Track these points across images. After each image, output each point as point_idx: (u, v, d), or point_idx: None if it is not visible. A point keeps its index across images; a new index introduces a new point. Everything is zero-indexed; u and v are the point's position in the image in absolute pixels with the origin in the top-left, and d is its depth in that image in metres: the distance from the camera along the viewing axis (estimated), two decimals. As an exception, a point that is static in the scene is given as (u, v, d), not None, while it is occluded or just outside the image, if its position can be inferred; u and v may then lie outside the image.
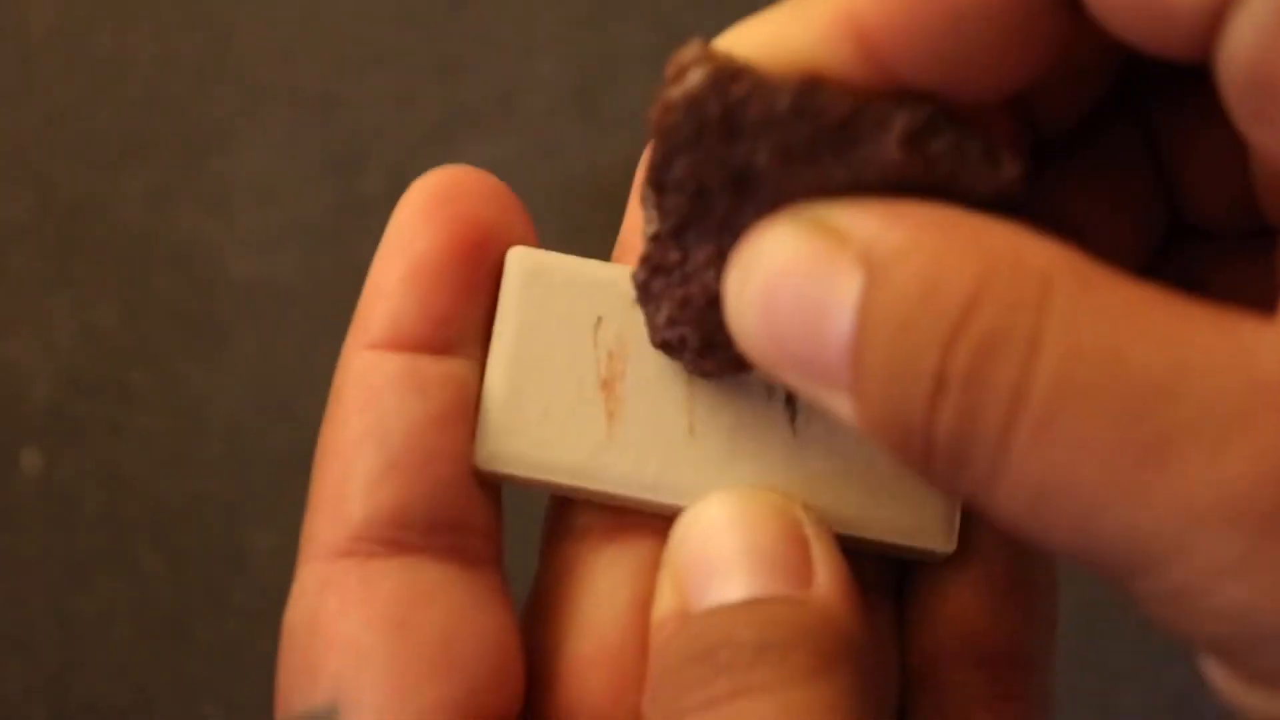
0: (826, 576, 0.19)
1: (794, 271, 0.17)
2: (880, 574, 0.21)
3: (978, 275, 0.15)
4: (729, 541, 0.19)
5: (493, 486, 0.20)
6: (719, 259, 0.18)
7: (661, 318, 0.20)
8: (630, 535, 0.20)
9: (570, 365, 0.20)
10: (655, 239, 0.19)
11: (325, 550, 0.19)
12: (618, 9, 0.57)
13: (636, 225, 0.21)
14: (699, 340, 0.19)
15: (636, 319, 0.20)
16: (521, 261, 0.20)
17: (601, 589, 0.20)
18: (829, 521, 0.20)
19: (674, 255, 0.19)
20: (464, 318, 0.20)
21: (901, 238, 0.16)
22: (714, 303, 0.19)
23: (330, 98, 0.57)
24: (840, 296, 0.16)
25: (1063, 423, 0.15)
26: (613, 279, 0.20)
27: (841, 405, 0.17)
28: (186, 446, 0.55)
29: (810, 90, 0.17)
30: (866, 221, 0.16)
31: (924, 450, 0.16)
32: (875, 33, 0.17)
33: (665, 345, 0.20)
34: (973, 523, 0.21)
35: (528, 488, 0.20)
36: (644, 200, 0.19)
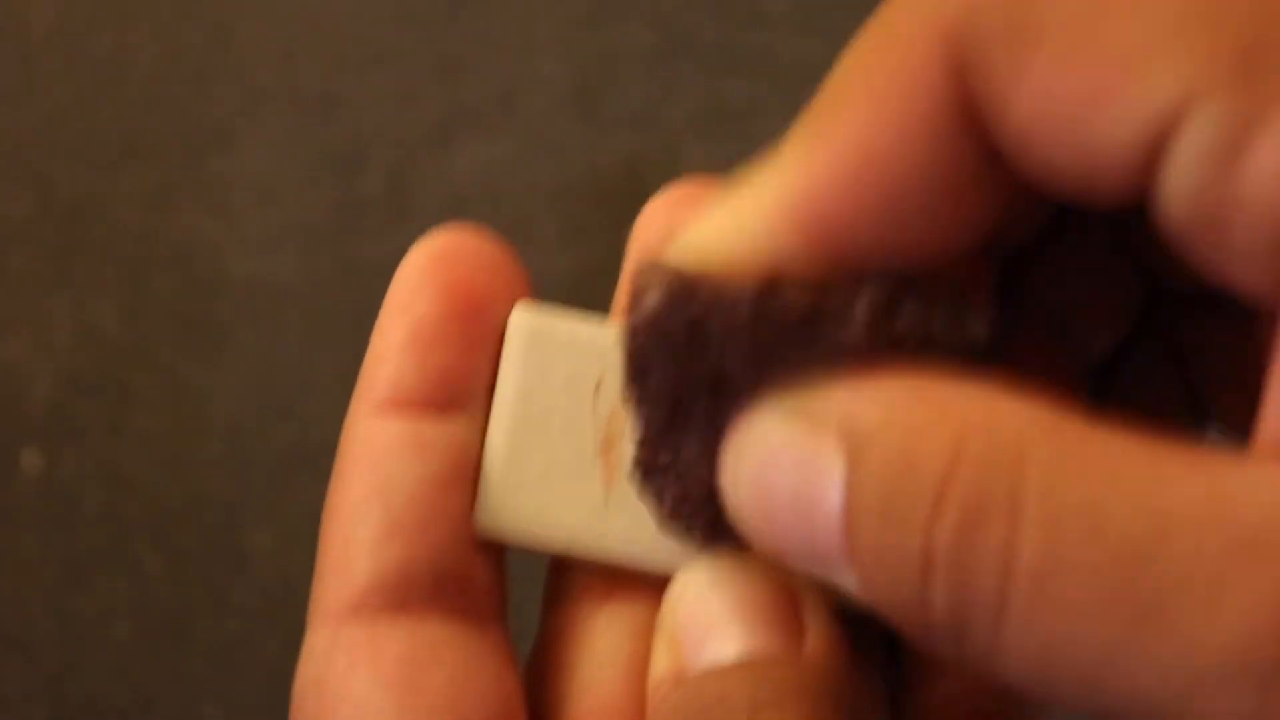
0: (818, 635, 0.19)
1: (779, 461, 0.17)
2: (873, 632, 0.21)
3: (952, 445, 0.15)
4: (721, 602, 0.19)
5: (495, 546, 0.21)
6: (709, 452, 0.19)
7: (665, 510, 0.20)
8: (628, 596, 0.21)
9: (570, 427, 0.20)
10: (645, 437, 0.19)
11: (333, 612, 0.20)
12: (618, 9, 0.57)
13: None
14: (705, 526, 0.20)
15: None
16: (525, 322, 0.21)
17: (600, 650, 0.20)
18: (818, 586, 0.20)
19: (664, 457, 0.19)
20: (465, 378, 0.20)
21: (875, 415, 0.16)
22: (713, 493, 0.19)
23: (330, 98, 0.57)
24: (826, 481, 0.16)
25: (1054, 592, 0.15)
26: (612, 341, 0.20)
27: (850, 583, 0.17)
28: (186, 446, 0.55)
29: (768, 292, 0.18)
30: (840, 402, 0.17)
31: (923, 627, 0.16)
32: (821, 218, 0.17)
33: (673, 528, 0.20)
34: None
35: (528, 551, 0.21)
36: (625, 402, 0.19)
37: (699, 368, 0.18)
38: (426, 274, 0.20)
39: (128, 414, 0.55)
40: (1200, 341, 0.21)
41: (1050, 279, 0.21)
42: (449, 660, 0.19)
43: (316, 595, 0.20)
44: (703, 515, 0.20)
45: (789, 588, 0.19)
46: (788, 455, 0.17)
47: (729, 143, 0.56)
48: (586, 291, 0.58)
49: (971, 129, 0.17)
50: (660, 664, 0.19)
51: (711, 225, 0.18)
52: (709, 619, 0.19)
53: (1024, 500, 0.15)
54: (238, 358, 0.55)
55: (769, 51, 0.57)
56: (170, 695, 0.53)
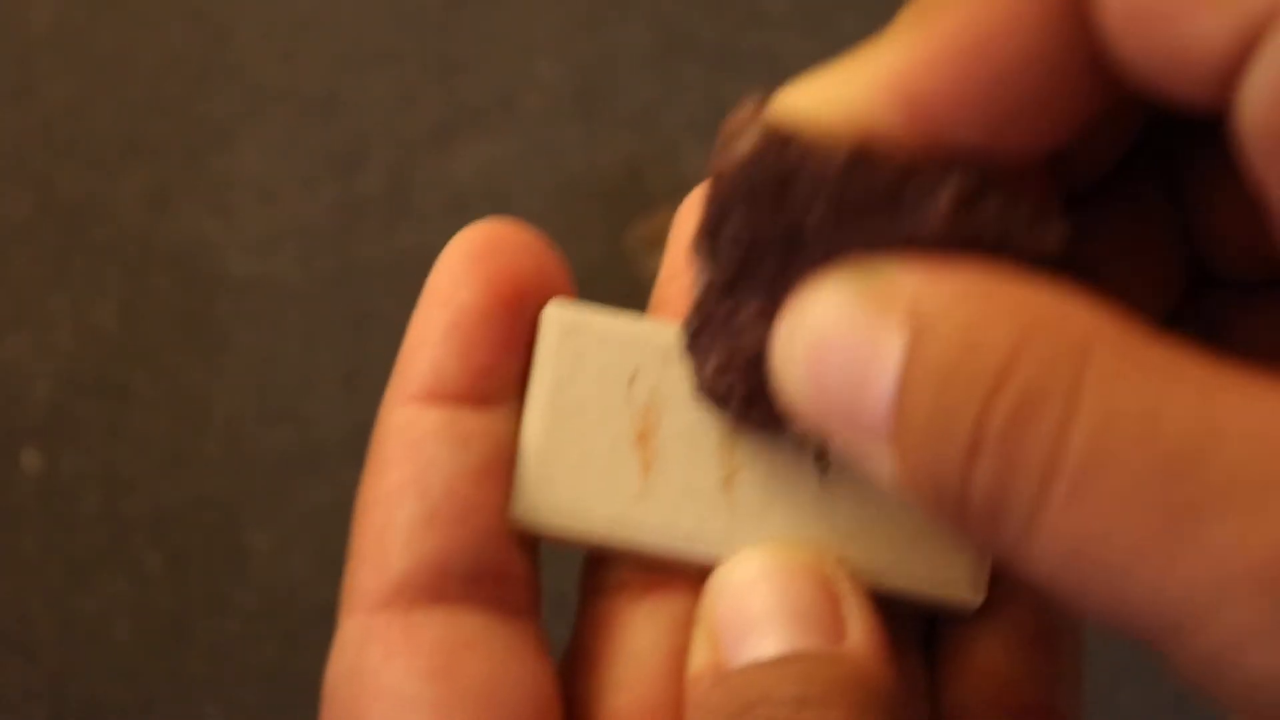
0: (859, 631, 0.19)
1: (840, 327, 0.17)
2: (909, 626, 0.21)
3: (1018, 335, 0.16)
4: (762, 598, 0.19)
5: (530, 538, 0.21)
6: (769, 313, 0.19)
7: (710, 367, 0.20)
8: (665, 590, 0.21)
9: (605, 419, 0.21)
10: (707, 289, 0.19)
11: (367, 601, 0.19)
12: (618, 9, 0.57)
13: (671, 278, 0.22)
14: (745, 391, 0.20)
15: (670, 374, 0.21)
16: (558, 316, 0.21)
17: (638, 644, 0.20)
18: (858, 574, 0.20)
19: (725, 307, 0.19)
20: (503, 371, 0.20)
21: (945, 296, 0.16)
22: (762, 356, 0.19)
23: (330, 98, 0.57)
24: (885, 352, 0.16)
25: (1096, 485, 0.15)
26: (647, 334, 0.21)
27: (882, 461, 0.17)
28: (186, 446, 0.55)
29: (861, 155, 0.18)
30: (912, 280, 0.17)
31: (959, 507, 0.16)
32: (923, 95, 0.17)
33: (712, 394, 0.20)
34: (1000, 575, 0.21)
35: (563, 546, 0.21)
36: (696, 251, 0.19)
37: (778, 221, 0.18)
38: (469, 264, 0.20)
39: (128, 414, 0.55)
40: (1240, 331, 0.21)
41: (1099, 241, 0.21)
42: (485, 651, 0.19)
43: (350, 583, 0.20)
44: (745, 382, 0.20)
45: (830, 583, 0.20)
46: (848, 324, 0.17)
47: (729, 143, 0.56)
48: (586, 292, 0.58)
49: (1076, 20, 0.17)
50: (699, 659, 0.19)
51: (813, 90, 0.18)
52: (750, 615, 0.19)
53: (1082, 393, 0.15)
54: (238, 358, 0.55)
55: (769, 51, 0.57)
56: (170, 695, 0.53)
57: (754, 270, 0.19)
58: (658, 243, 0.53)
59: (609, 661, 0.20)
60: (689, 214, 0.22)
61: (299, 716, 0.53)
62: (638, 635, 0.20)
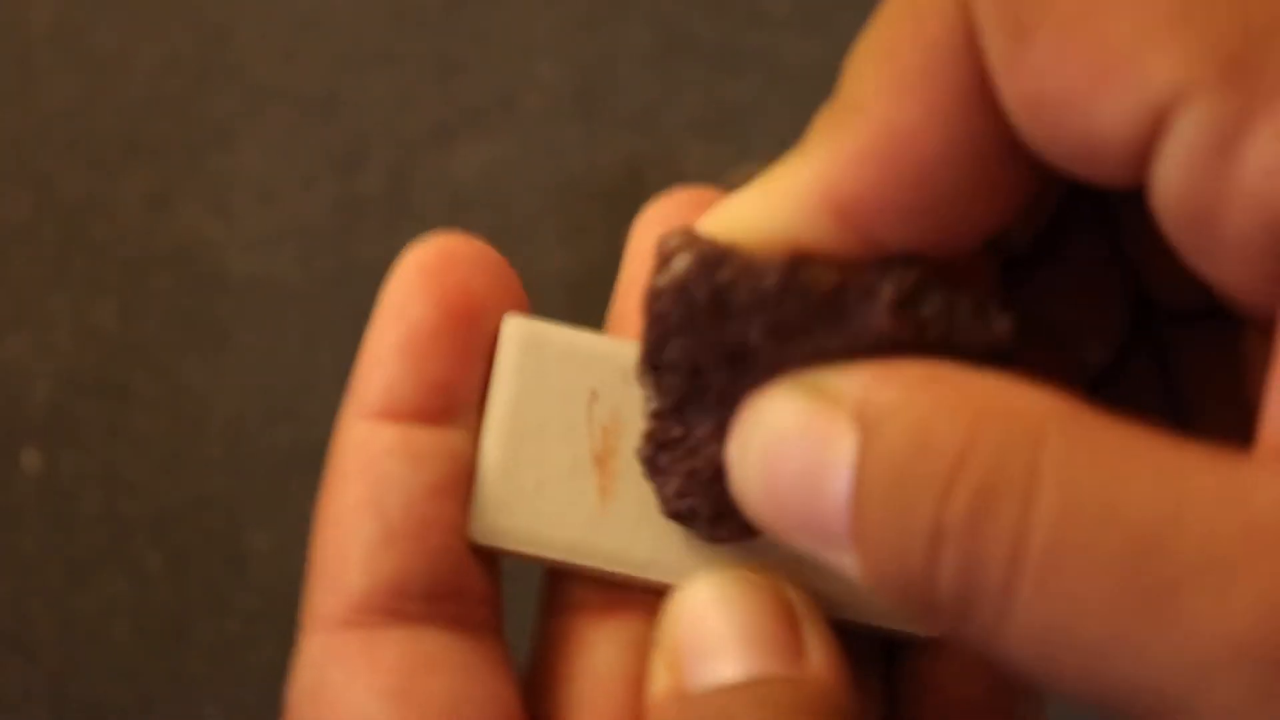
0: (819, 654, 0.19)
1: (790, 436, 0.17)
2: (868, 648, 0.21)
3: (969, 426, 0.16)
4: (721, 621, 0.19)
5: (490, 556, 0.20)
6: (721, 431, 0.19)
7: (671, 490, 0.20)
8: (625, 610, 0.21)
9: (564, 439, 0.20)
10: (657, 416, 0.19)
11: (327, 621, 0.20)
12: (618, 9, 0.57)
13: (628, 290, 0.22)
14: (710, 510, 0.20)
15: (631, 395, 0.20)
16: (518, 331, 0.21)
17: (597, 665, 0.20)
18: (816, 604, 0.20)
19: (676, 431, 0.19)
20: (459, 386, 0.20)
21: (893, 395, 0.16)
22: (720, 474, 0.19)
23: (330, 98, 0.57)
24: (836, 457, 0.16)
25: (1064, 573, 0.15)
26: (608, 353, 0.21)
27: (847, 563, 0.17)
28: (186, 446, 0.55)
29: (796, 267, 0.18)
30: (858, 382, 0.17)
31: (927, 602, 0.16)
32: (848, 201, 0.17)
33: (676, 516, 0.20)
34: None
35: (522, 560, 0.21)
36: (641, 379, 0.19)
37: (720, 338, 0.18)
38: (421, 279, 0.20)
39: (128, 414, 0.55)
40: (1188, 357, 0.21)
41: (1045, 291, 0.21)
42: (446, 670, 0.19)
43: (310, 603, 0.20)
44: (709, 499, 0.20)
45: (789, 607, 0.20)
46: (798, 430, 0.17)
47: (729, 143, 0.56)
48: (586, 291, 0.58)
49: (989, 111, 0.17)
50: (659, 682, 0.19)
51: (741, 204, 0.19)
52: (710, 638, 0.19)
53: (1039, 481, 0.15)
54: (238, 358, 0.55)
55: (769, 51, 0.57)
56: (170, 695, 0.53)
57: (701, 393, 0.19)
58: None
59: (569, 681, 0.20)
60: (644, 229, 0.22)
61: (299, 716, 0.53)
62: (597, 656, 0.20)
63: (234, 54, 0.57)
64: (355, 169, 0.56)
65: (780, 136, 0.60)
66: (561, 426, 0.20)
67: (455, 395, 0.20)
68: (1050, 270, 0.21)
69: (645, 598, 0.20)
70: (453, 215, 0.56)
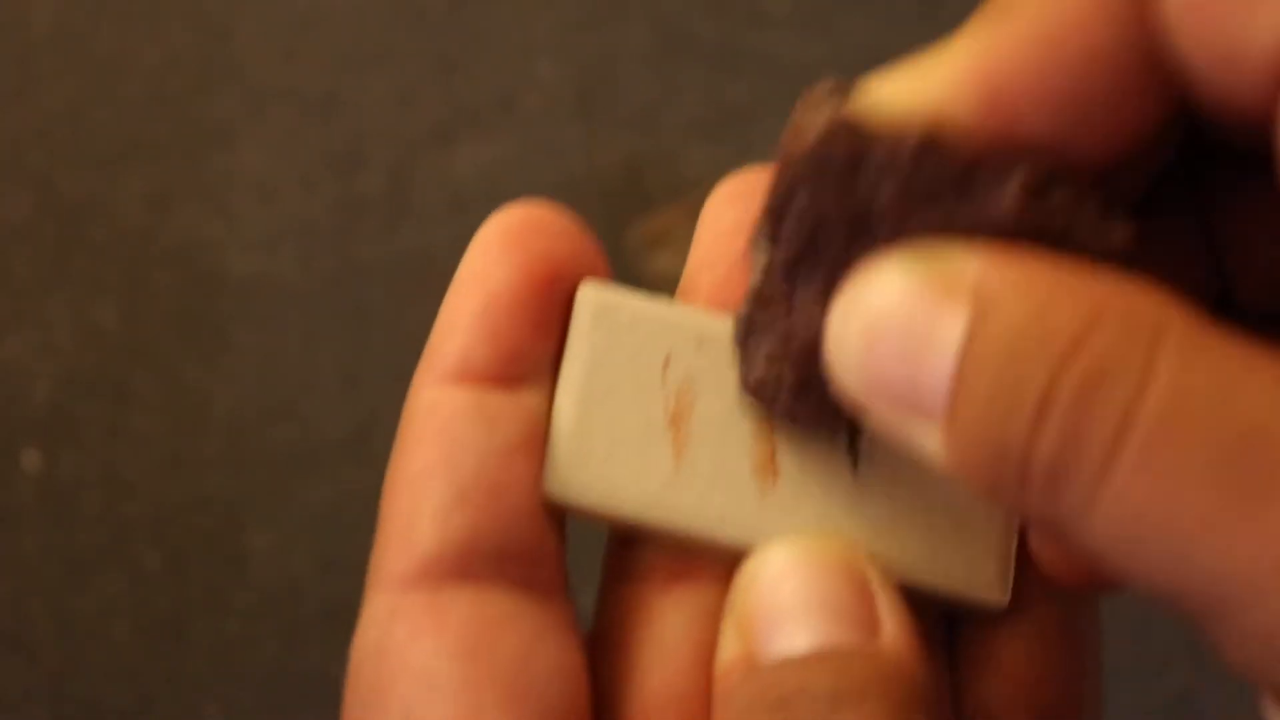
0: (894, 626, 0.19)
1: (900, 307, 0.17)
2: (931, 625, 0.21)
3: (1090, 312, 0.16)
4: (795, 591, 0.19)
5: (558, 518, 0.21)
6: (826, 296, 0.19)
7: (761, 354, 0.20)
8: (694, 578, 0.20)
9: (638, 400, 0.21)
10: (767, 271, 0.19)
11: (394, 580, 0.19)
12: (618, 9, 0.57)
13: (701, 267, 0.22)
14: (794, 380, 0.20)
15: (704, 360, 0.21)
16: (592, 297, 0.21)
17: (666, 632, 0.20)
18: (887, 568, 0.20)
19: (783, 288, 0.19)
20: (535, 353, 0.20)
21: (1014, 275, 0.16)
22: (816, 342, 0.19)
23: (330, 98, 0.57)
24: (945, 330, 0.17)
25: (1164, 457, 0.15)
26: (682, 319, 0.21)
27: (931, 441, 0.17)
28: (186, 446, 0.55)
29: (933, 141, 0.18)
30: (976, 263, 0.17)
31: (1020, 474, 0.16)
32: (998, 87, 0.18)
33: (759, 386, 0.20)
34: (1024, 576, 0.21)
35: (594, 520, 0.21)
36: (759, 231, 0.19)
37: (845, 203, 0.18)
38: (502, 245, 0.20)
39: (128, 414, 0.55)
40: None
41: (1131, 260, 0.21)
42: (514, 630, 0.19)
43: (377, 562, 0.20)
44: (797, 367, 0.20)
45: (863, 577, 0.20)
46: (908, 303, 0.17)
47: (729, 143, 0.56)
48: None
49: (1142, 18, 0.17)
50: (729, 650, 0.19)
51: (893, 79, 0.19)
52: (782, 607, 0.19)
53: (1154, 369, 0.15)
54: (238, 358, 0.55)
55: (769, 51, 0.57)
56: (170, 695, 0.53)
57: (817, 251, 0.19)
58: (658, 242, 0.53)
59: (637, 648, 0.20)
60: (717, 206, 0.22)
61: (299, 716, 0.53)
62: (665, 623, 0.20)
63: (234, 54, 0.57)
64: (355, 169, 0.57)
65: (780, 136, 0.60)
66: (635, 389, 0.20)
67: (531, 360, 0.20)
68: (1138, 240, 0.21)
69: (714, 566, 0.20)
70: (453, 215, 0.56)
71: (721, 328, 0.21)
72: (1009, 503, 0.17)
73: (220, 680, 0.53)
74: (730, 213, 0.21)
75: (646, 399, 0.20)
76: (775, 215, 0.19)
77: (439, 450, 0.19)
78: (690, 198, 0.54)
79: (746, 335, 0.20)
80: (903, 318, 0.17)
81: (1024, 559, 0.21)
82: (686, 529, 0.20)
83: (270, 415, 0.55)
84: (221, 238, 0.56)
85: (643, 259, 0.53)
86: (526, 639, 0.19)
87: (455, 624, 0.19)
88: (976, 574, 0.21)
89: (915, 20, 0.56)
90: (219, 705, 0.53)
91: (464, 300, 0.20)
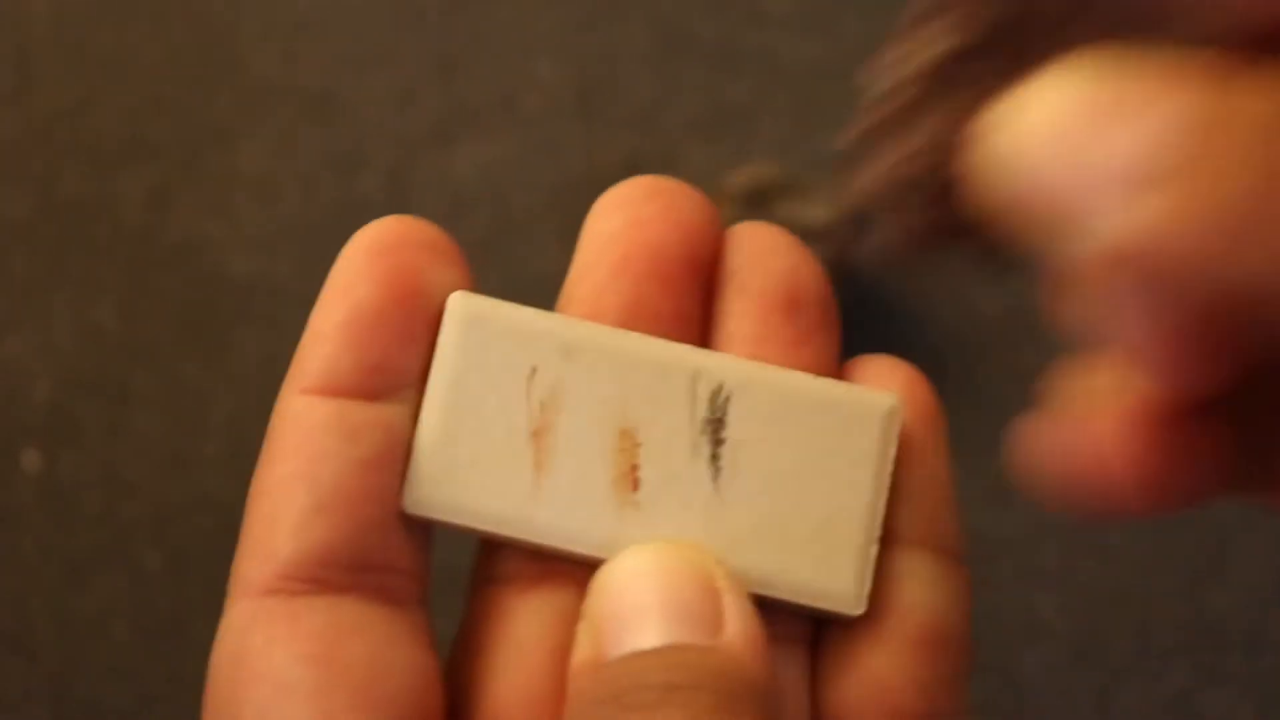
0: (737, 626, 0.19)
1: (1078, 101, 0.16)
2: (794, 626, 0.21)
3: None
4: (644, 593, 0.20)
5: (422, 528, 0.21)
6: (997, 86, 0.17)
7: (908, 147, 0.19)
8: (554, 583, 0.21)
9: (501, 414, 0.21)
10: (945, 57, 0.18)
11: (253, 588, 0.20)
12: (618, 9, 0.57)
13: (581, 277, 0.21)
14: (934, 184, 0.19)
15: (572, 369, 0.21)
16: (461, 306, 0.21)
17: (523, 635, 0.20)
18: (742, 580, 0.20)
19: (955, 70, 0.18)
20: (399, 366, 0.20)
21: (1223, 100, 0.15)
22: (958, 143, 0.18)
23: (330, 98, 0.57)
24: (1140, 110, 0.15)
25: None
26: (550, 329, 0.21)
27: (1099, 228, 0.15)
28: (186, 446, 0.55)
29: None
30: (1175, 80, 0.15)
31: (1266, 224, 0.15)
32: None
33: (891, 189, 0.19)
34: (889, 578, 0.21)
35: (455, 532, 0.21)
36: (923, 16, 0.18)
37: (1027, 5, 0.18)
38: (368, 259, 0.21)
39: (128, 414, 0.55)
40: None
41: None
42: (367, 638, 0.19)
43: (237, 572, 0.21)
44: (941, 173, 0.19)
45: (711, 580, 0.20)
46: (1090, 100, 0.16)
47: (729, 143, 0.56)
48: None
49: None
50: (581, 652, 0.20)
51: None
52: (631, 608, 0.19)
53: None
54: (238, 358, 0.55)
55: (769, 51, 0.57)
56: (170, 695, 0.53)
57: (1006, 36, 0.18)
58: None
59: (494, 651, 0.20)
60: (600, 213, 0.22)
61: (299, 716, 0.53)
62: (523, 626, 0.20)
63: (234, 54, 0.57)
64: (355, 169, 0.57)
65: (780, 136, 0.60)
66: (500, 401, 0.21)
67: (395, 374, 0.20)
68: None
69: (576, 571, 0.21)
70: (453, 215, 0.56)
71: (591, 335, 0.21)
72: (1226, 273, 0.15)
73: (220, 680, 0.53)
74: (614, 218, 0.21)
75: (510, 411, 0.21)
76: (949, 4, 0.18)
77: (299, 461, 0.20)
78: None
79: (887, 127, 0.19)
80: (1082, 111, 0.16)
81: (886, 565, 0.21)
82: (545, 543, 0.20)
83: (270, 415, 0.55)
84: (221, 238, 0.56)
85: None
86: (379, 646, 0.19)
87: (309, 631, 0.19)
88: (833, 584, 0.21)
89: (915, 20, 0.56)
90: (219, 705, 0.53)
91: (329, 313, 0.20)
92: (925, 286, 0.55)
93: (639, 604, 0.19)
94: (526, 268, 0.55)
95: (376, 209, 0.56)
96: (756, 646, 0.19)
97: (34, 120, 0.57)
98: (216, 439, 0.55)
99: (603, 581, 0.20)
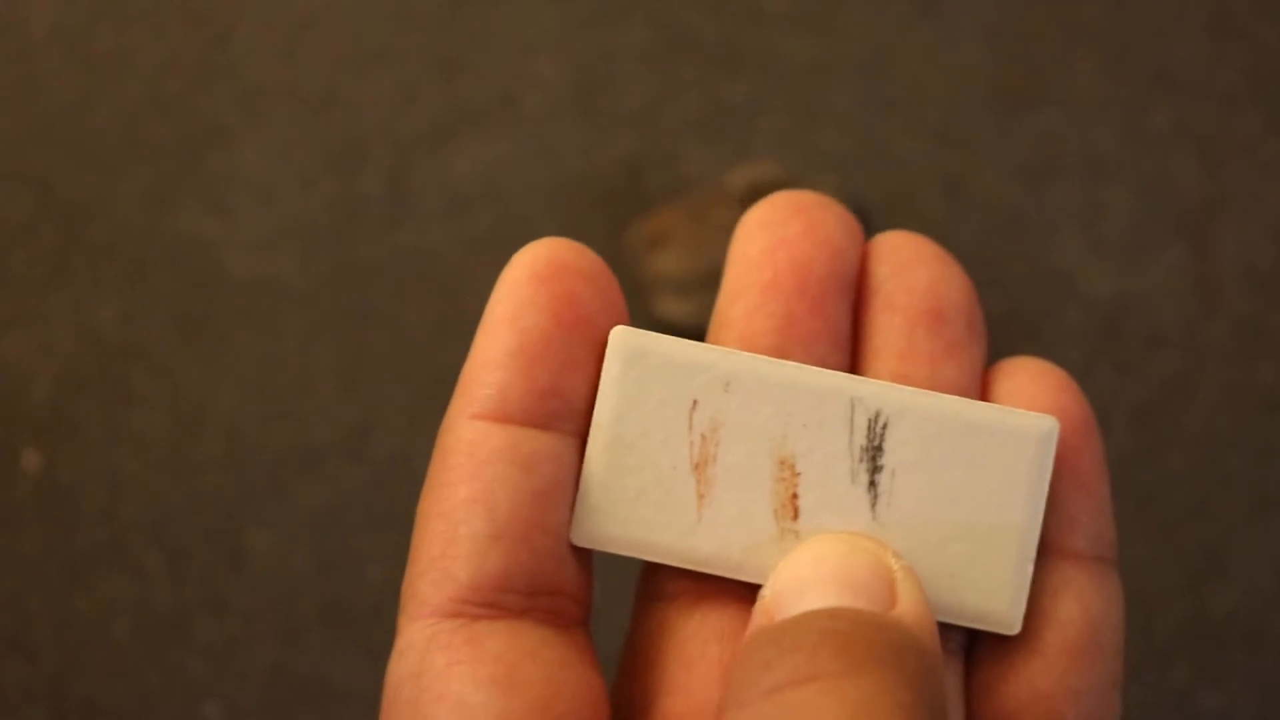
0: (908, 604, 0.20)
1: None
2: (950, 636, 0.22)
3: None
4: (820, 570, 0.20)
5: (587, 552, 0.22)
6: None
7: None
8: (718, 600, 0.21)
9: (664, 447, 0.21)
10: None
11: (430, 609, 0.20)
12: (618, 9, 0.57)
13: (734, 298, 0.22)
14: None
15: (731, 401, 0.21)
16: (624, 342, 0.21)
17: (690, 650, 0.21)
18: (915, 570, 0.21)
19: None
20: (567, 394, 0.21)
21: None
22: None
23: (330, 98, 0.57)
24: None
25: None
26: (709, 362, 0.21)
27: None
28: (186, 446, 0.55)
29: None
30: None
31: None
32: None
33: None
34: (1045, 590, 0.22)
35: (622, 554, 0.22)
36: None
37: None
38: (533, 286, 0.21)
39: (128, 414, 0.55)
40: None
41: None
42: (544, 661, 0.20)
43: (410, 590, 0.21)
44: None
45: (887, 567, 0.20)
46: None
47: (729, 143, 0.56)
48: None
49: None
50: (754, 622, 0.20)
51: None
52: (806, 581, 0.20)
53: None
54: (238, 358, 0.55)
55: (769, 51, 0.57)
56: (170, 695, 0.53)
57: None
58: (657, 242, 0.53)
59: (661, 668, 0.21)
60: (746, 232, 0.23)
61: (299, 716, 0.53)
62: (690, 643, 0.21)
63: (234, 54, 0.57)
64: (355, 169, 0.57)
65: (780, 136, 0.60)
66: (662, 434, 0.21)
67: (564, 401, 0.21)
68: None
69: (739, 587, 0.21)
70: (452, 215, 0.56)
71: (750, 366, 0.21)
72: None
73: (220, 680, 0.53)
74: (759, 239, 0.22)
75: (672, 444, 0.21)
76: None
77: (476, 488, 0.20)
78: (690, 198, 0.54)
79: None
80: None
81: (1042, 577, 0.22)
82: (709, 570, 0.21)
83: (270, 415, 0.55)
84: (221, 238, 0.56)
85: (642, 259, 0.53)
86: (555, 668, 0.20)
87: (490, 655, 0.20)
88: (990, 606, 0.21)
89: (915, 19, 0.56)
90: (219, 705, 0.53)
91: (498, 339, 0.21)
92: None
93: (814, 577, 0.20)
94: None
95: (376, 209, 0.56)
96: (927, 622, 0.20)
97: (34, 120, 0.57)
98: (216, 439, 0.55)
99: (780, 567, 0.20)
